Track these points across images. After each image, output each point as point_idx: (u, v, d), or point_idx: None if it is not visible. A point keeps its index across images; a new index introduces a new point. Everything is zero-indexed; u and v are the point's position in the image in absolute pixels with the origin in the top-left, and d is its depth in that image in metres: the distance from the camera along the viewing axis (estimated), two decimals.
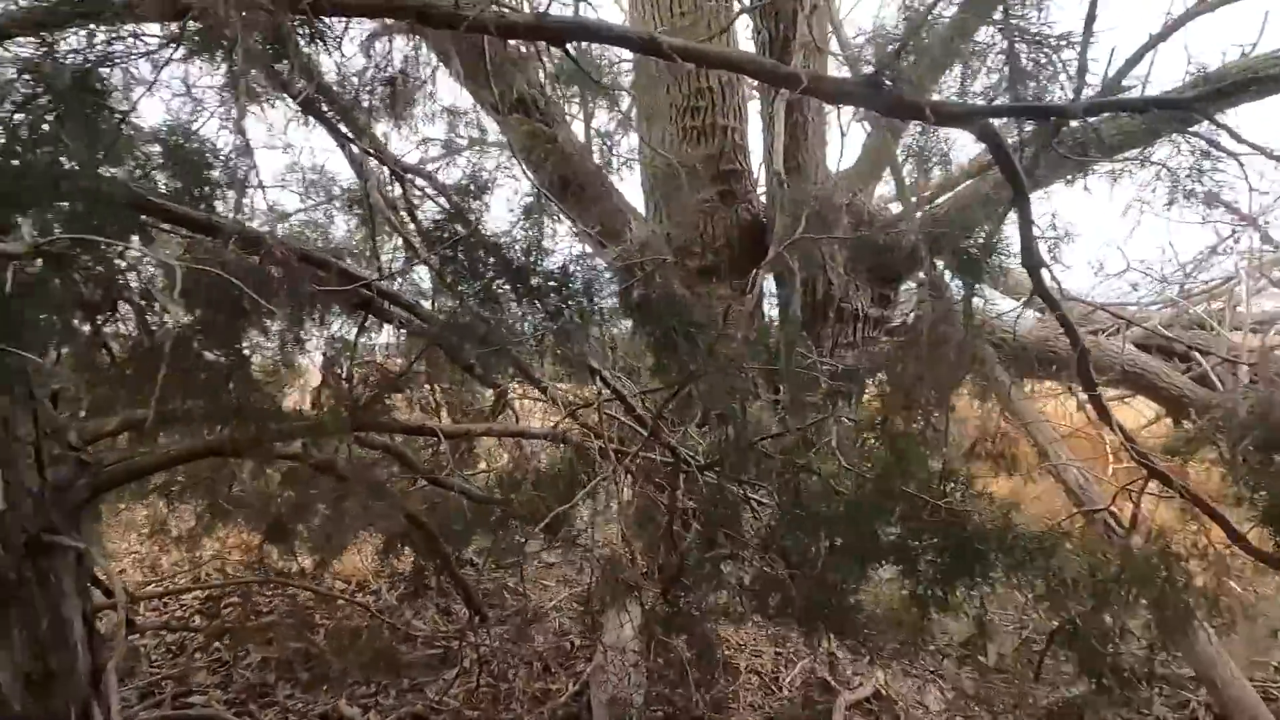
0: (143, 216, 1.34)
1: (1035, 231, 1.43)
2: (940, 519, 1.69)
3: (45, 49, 0.99)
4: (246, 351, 1.32)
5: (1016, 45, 1.24)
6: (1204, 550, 1.61)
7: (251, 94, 1.41)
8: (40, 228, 1.10)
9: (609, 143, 2.78)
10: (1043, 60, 1.21)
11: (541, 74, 2.81)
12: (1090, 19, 1.60)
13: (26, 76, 0.97)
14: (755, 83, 3.48)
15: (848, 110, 3.33)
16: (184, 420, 1.31)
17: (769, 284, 3.31)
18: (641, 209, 3.58)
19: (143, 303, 1.53)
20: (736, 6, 3.38)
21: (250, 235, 1.26)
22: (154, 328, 1.57)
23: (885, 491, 1.66)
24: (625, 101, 3.02)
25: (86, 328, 1.55)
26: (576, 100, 3.06)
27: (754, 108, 3.61)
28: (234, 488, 2.74)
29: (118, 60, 1.03)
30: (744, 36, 3.56)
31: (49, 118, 0.95)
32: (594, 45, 2.43)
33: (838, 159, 3.52)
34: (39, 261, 1.06)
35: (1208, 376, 3.56)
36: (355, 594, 3.38)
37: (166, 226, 1.55)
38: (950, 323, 1.29)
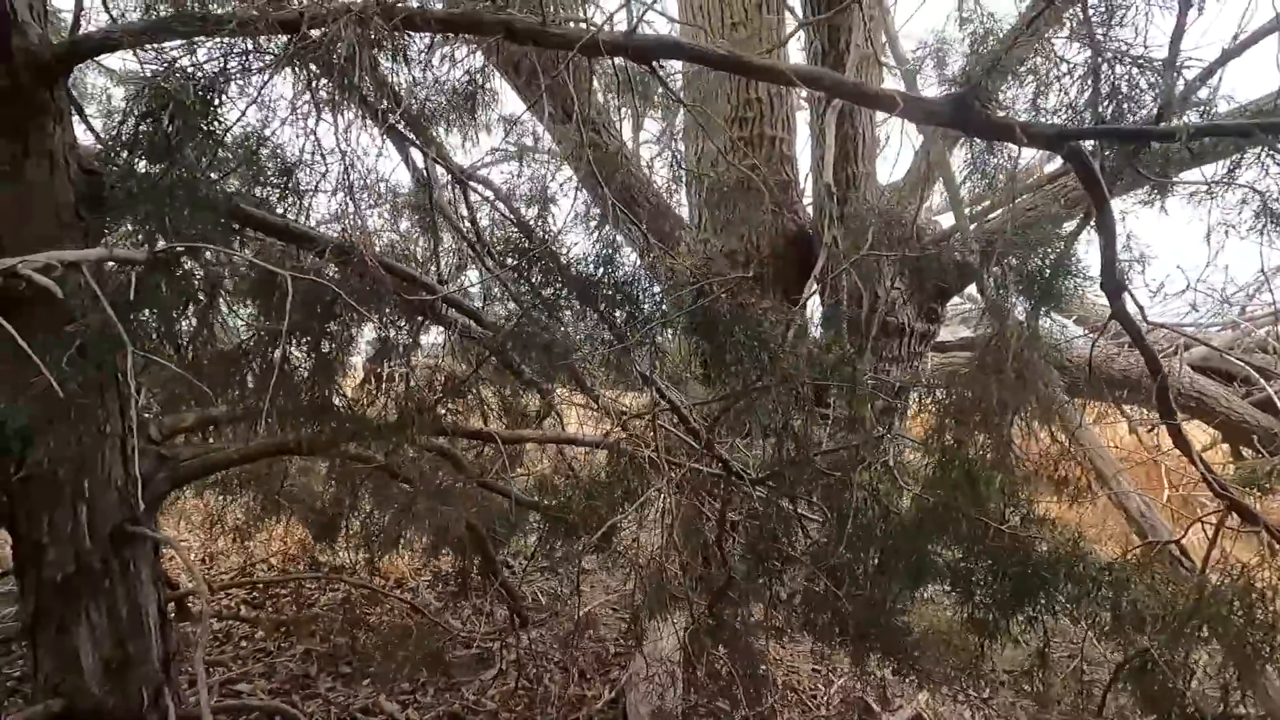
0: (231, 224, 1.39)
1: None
2: (1003, 544, 1.66)
3: (167, 65, 1.05)
4: (330, 354, 1.37)
5: (1109, 65, 1.22)
6: None
7: (333, 104, 1.45)
8: (145, 234, 1.15)
9: (677, 156, 2.79)
10: (1142, 84, 1.18)
11: (595, 83, 2.84)
12: (1178, 34, 1.56)
13: (149, 91, 1.02)
14: (804, 93, 3.46)
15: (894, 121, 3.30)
16: (265, 418, 1.35)
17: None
18: (686, 218, 3.59)
19: (205, 302, 1.59)
20: (790, 18, 3.37)
21: (340, 245, 1.30)
22: (213, 326, 1.63)
23: (949, 513, 1.64)
24: (677, 112, 3.03)
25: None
26: (625, 109, 3.09)
27: (801, 118, 3.60)
28: (285, 483, 2.81)
29: (234, 75, 1.08)
30: (794, 47, 3.55)
31: (170, 129, 1.00)
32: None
33: (889, 172, 3.48)
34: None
35: (1272, 401, 3.43)
36: (394, 591, 3.43)
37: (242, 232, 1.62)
38: (1032, 347, 1.26)
